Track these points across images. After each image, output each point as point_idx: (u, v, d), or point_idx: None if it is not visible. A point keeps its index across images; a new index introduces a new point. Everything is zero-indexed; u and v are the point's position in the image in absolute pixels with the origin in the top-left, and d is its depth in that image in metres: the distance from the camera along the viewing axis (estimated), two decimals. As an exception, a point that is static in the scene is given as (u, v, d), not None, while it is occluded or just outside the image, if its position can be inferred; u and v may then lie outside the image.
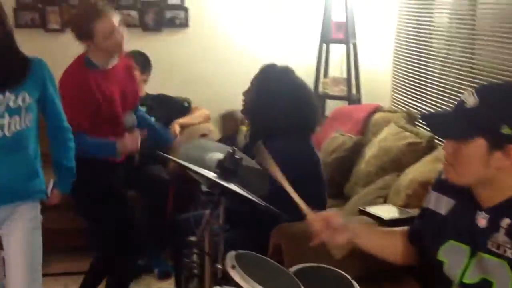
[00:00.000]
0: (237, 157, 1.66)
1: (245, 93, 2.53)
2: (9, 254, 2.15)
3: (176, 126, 3.66)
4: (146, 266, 3.34)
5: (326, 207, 2.55)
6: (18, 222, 2.14)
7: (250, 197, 1.56)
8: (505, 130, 1.33)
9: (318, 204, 2.46)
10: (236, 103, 2.74)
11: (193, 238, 1.94)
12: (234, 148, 1.86)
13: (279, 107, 2.34)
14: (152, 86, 3.87)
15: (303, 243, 2.22)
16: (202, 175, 1.59)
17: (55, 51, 3.77)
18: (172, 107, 3.81)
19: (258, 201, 1.59)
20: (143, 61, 3.74)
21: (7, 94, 2.06)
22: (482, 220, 1.44)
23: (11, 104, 2.06)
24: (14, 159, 2.08)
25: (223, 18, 4.20)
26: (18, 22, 3.99)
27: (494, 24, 2.77)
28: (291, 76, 2.47)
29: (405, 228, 1.72)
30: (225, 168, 1.63)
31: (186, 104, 3.88)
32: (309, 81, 4.12)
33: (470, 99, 1.37)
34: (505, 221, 1.39)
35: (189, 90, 4.08)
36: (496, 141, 1.35)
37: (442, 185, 1.59)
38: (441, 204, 1.56)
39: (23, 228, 2.15)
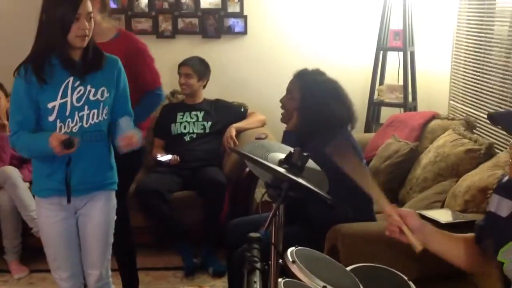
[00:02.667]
0: (305, 154, 1.72)
1: (283, 101, 2.65)
2: (85, 232, 2.34)
3: (232, 130, 3.77)
4: (201, 265, 3.44)
5: (373, 211, 2.59)
6: (94, 206, 2.31)
7: (319, 192, 1.62)
8: None
9: (366, 207, 2.53)
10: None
11: (253, 234, 2.02)
12: (297, 148, 1.93)
13: (322, 106, 2.50)
14: (211, 91, 4.00)
15: (359, 244, 2.28)
16: (271, 169, 1.66)
17: (167, 56, 4.06)
18: (229, 112, 3.92)
19: (327, 197, 1.64)
20: (201, 67, 3.87)
21: (88, 87, 2.20)
22: None
23: (91, 97, 2.20)
24: (92, 151, 2.21)
25: (280, 26, 4.28)
26: (133, 29, 4.20)
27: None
28: (325, 77, 2.62)
29: (470, 234, 1.72)
30: (293, 164, 1.69)
31: (242, 109, 3.98)
32: (365, 88, 4.18)
33: None
34: None
35: (246, 96, 4.19)
36: None
37: (504, 189, 1.62)
38: (503, 207, 1.59)
39: (99, 210, 2.32)
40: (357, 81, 4.16)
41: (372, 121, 4.19)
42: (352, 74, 4.07)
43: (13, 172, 3.36)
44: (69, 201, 2.25)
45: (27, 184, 3.41)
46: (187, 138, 3.79)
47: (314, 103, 2.52)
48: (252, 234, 2.00)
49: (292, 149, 1.97)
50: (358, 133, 3.69)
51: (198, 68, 3.84)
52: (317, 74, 2.62)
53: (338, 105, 2.54)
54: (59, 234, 2.30)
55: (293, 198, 1.80)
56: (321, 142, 2.36)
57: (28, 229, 3.34)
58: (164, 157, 3.64)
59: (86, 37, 2.17)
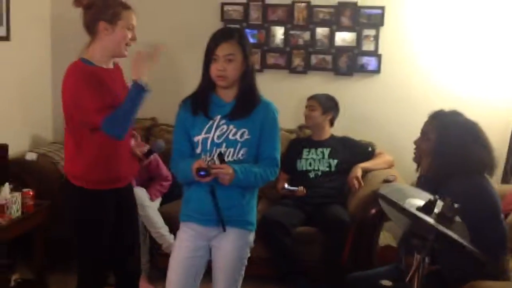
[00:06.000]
0: (456, 206, 1.64)
1: (418, 142, 2.55)
2: (215, 263, 2.36)
3: (358, 170, 3.70)
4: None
5: (506, 253, 2.39)
6: (225, 239, 2.33)
7: (470, 247, 1.52)
8: None
9: (497, 249, 2.34)
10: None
11: (385, 282, 1.94)
12: (437, 196, 1.84)
13: (460, 148, 2.38)
14: (340, 128, 3.97)
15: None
16: (422, 219, 1.58)
17: (298, 91, 4.19)
18: (356, 151, 3.86)
19: (479, 253, 1.54)
20: (328, 102, 3.87)
21: (231, 126, 2.27)
22: None
23: (230, 136, 2.26)
24: (225, 187, 2.24)
25: (415, 65, 4.16)
26: (267, 63, 4.35)
27: None
28: (464, 118, 2.48)
29: None
30: (444, 215, 1.61)
31: (370, 149, 3.90)
32: (506, 134, 3.92)
33: None
34: None
35: (375, 135, 4.10)
36: None
37: None
38: None
39: (229, 245, 2.33)
40: (497, 126, 3.90)
41: (512, 171, 3.92)
42: (492, 118, 3.82)
43: (139, 192, 3.52)
44: (223, 228, 2.30)
45: (155, 204, 3.57)
46: (312, 174, 3.78)
47: (451, 145, 2.39)
48: (384, 282, 1.94)
49: (431, 197, 1.88)
50: (495, 183, 3.45)
51: (323, 102, 3.85)
52: (455, 115, 2.49)
53: (478, 148, 2.40)
54: (182, 259, 2.34)
55: (436, 250, 1.71)
56: (458, 187, 2.30)
57: (158, 250, 3.49)
58: (292, 187, 3.67)
59: (224, 78, 2.24)
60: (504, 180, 3.84)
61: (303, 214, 3.59)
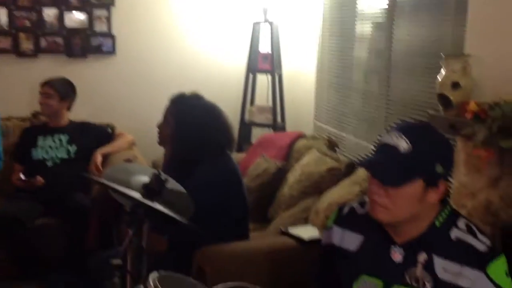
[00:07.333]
0: (162, 178, 1.68)
1: (160, 126, 2.53)
2: None
3: (97, 156, 3.58)
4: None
5: (248, 229, 2.60)
6: None
7: (173, 215, 1.58)
8: (439, 168, 1.41)
9: (241, 226, 2.54)
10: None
11: (115, 261, 1.93)
12: (159, 170, 1.88)
13: (198, 133, 2.39)
14: (77, 113, 3.82)
15: (226, 264, 2.28)
16: (125, 195, 1.60)
17: (28, 76, 3.91)
18: (95, 135, 3.74)
19: (180, 220, 1.61)
20: (64, 87, 3.68)
21: None
22: (397, 255, 1.47)
23: None
24: None
25: (149, 47, 4.23)
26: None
27: (407, 59, 2.96)
28: (202, 102, 2.52)
29: None
30: (150, 189, 1.65)
31: (109, 131, 3.85)
32: (236, 109, 4.24)
33: (402, 144, 1.39)
34: (422, 256, 1.43)
35: (116, 117, 4.06)
36: (432, 179, 1.41)
37: (345, 220, 1.59)
38: (348, 240, 1.56)
39: None
40: (229, 102, 4.15)
41: (243, 141, 4.26)
42: (223, 95, 4.05)
43: None
44: None
45: None
46: (49, 163, 3.56)
47: (189, 130, 2.41)
48: (115, 261, 1.93)
49: (155, 172, 1.93)
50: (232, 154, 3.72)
51: (59, 88, 3.64)
52: (193, 99, 2.51)
53: (216, 130, 2.45)
54: None
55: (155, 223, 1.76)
56: (202, 170, 2.36)
57: None
58: (28, 178, 3.41)
59: None
60: (238, 150, 4.16)
61: (42, 205, 3.38)
